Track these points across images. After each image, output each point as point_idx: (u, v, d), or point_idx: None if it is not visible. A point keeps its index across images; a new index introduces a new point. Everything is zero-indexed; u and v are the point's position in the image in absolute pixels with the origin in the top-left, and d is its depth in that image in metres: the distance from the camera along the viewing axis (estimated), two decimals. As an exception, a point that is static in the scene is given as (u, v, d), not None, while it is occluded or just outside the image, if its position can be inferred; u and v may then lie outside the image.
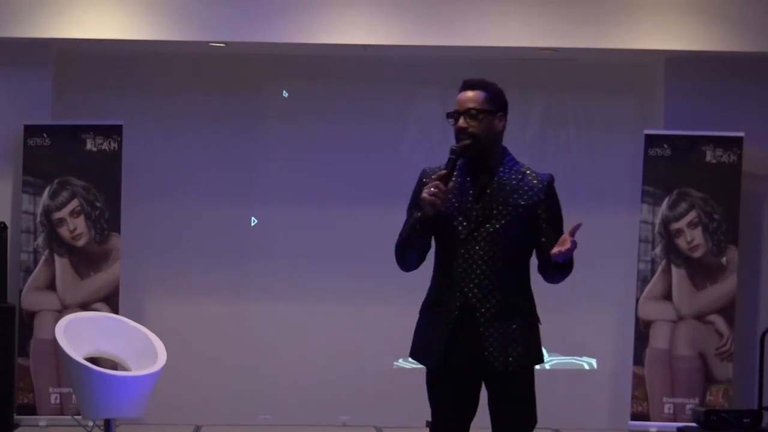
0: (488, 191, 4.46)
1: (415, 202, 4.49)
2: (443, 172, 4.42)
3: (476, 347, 4.42)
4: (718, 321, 8.61)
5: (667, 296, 8.62)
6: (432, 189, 4.36)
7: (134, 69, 9.05)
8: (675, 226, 8.64)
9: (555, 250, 4.33)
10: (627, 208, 8.94)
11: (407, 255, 4.52)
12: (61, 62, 8.86)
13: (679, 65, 8.82)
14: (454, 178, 4.46)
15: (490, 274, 4.41)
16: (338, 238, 9.02)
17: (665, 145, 8.68)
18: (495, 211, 4.44)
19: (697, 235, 8.63)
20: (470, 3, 8.48)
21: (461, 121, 4.49)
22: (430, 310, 4.55)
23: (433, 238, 4.53)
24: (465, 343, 4.44)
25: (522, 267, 4.52)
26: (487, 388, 4.51)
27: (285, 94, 9.17)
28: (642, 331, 8.61)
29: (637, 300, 8.64)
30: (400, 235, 4.52)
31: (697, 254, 8.63)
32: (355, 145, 9.11)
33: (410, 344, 4.64)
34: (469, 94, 4.50)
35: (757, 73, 8.85)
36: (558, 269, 4.45)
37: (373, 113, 9.08)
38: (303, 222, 9.09)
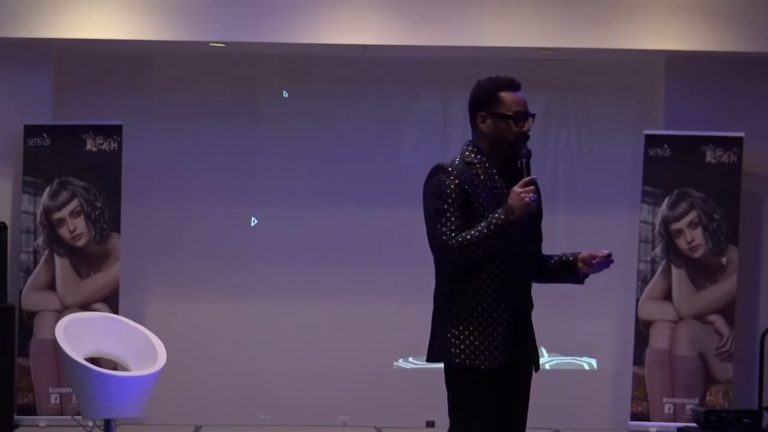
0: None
1: (459, 200, 4.32)
2: (531, 177, 4.33)
3: (530, 345, 4.50)
4: (718, 321, 8.61)
5: (667, 296, 8.62)
6: (533, 195, 4.29)
7: (134, 69, 9.05)
8: (675, 226, 8.64)
9: (586, 268, 4.39)
10: (627, 209, 8.94)
11: (485, 257, 4.33)
12: (61, 62, 8.86)
13: (679, 65, 8.82)
14: (494, 180, 4.41)
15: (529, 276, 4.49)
16: (338, 238, 9.02)
17: (665, 145, 8.68)
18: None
19: (697, 236, 8.62)
20: (470, 3, 8.48)
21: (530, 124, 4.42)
22: (480, 313, 4.41)
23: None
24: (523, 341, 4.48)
25: None
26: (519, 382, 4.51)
27: (285, 94, 9.17)
28: (642, 331, 8.61)
29: (637, 300, 8.64)
30: (476, 236, 4.28)
31: (697, 254, 8.62)
32: (355, 146, 9.10)
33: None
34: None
35: (757, 73, 8.85)
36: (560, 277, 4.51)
37: (373, 113, 9.07)
38: (303, 222, 9.08)
